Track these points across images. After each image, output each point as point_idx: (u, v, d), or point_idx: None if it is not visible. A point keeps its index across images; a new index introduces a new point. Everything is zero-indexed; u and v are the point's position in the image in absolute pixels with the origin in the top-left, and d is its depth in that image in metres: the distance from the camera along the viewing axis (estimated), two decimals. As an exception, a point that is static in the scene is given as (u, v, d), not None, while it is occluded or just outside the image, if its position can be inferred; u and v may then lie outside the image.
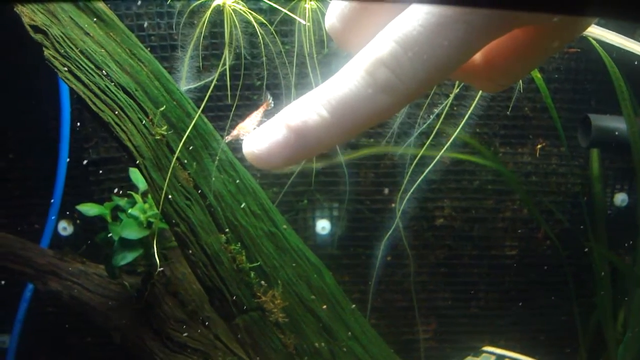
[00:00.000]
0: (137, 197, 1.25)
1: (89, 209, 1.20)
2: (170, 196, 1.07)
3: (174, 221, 1.06)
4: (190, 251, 1.05)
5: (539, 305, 1.44)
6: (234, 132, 0.52)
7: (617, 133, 1.23)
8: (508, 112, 1.40)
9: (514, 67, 0.37)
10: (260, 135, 0.34)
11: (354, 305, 1.14)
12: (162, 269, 1.21)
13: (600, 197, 1.34)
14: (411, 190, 1.28)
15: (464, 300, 1.46)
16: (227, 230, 1.08)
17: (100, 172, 1.36)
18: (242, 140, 0.36)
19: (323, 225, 1.47)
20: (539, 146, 1.43)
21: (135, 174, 1.28)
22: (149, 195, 1.28)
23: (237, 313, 1.04)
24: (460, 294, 1.46)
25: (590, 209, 1.34)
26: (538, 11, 0.30)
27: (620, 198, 1.38)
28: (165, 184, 1.07)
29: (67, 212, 1.34)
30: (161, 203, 1.06)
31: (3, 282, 1.23)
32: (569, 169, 1.41)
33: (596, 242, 1.31)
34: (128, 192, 1.26)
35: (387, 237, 1.31)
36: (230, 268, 1.06)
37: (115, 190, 1.31)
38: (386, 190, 1.43)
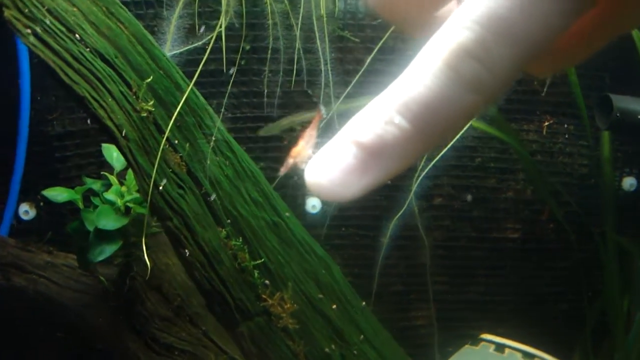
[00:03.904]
0: (113, 179, 1.08)
1: (57, 194, 1.04)
2: (160, 185, 0.92)
3: (165, 215, 0.92)
4: (186, 250, 0.91)
5: (540, 292, 1.39)
6: (289, 161, 0.40)
7: (639, 117, 1.15)
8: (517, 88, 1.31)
9: (578, 49, 0.31)
10: (325, 160, 0.26)
11: (364, 303, 1.04)
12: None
13: (610, 179, 1.28)
14: (427, 169, 1.18)
15: (462, 285, 1.39)
16: (228, 221, 0.95)
17: (67, 147, 1.17)
18: (302, 169, 0.28)
19: (313, 204, 1.36)
20: (546, 123, 1.35)
21: (108, 150, 1.12)
22: (127, 176, 1.12)
23: (241, 319, 0.92)
24: (458, 278, 1.39)
25: (599, 192, 1.28)
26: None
27: (629, 182, 1.32)
28: (154, 171, 0.92)
29: (29, 194, 1.15)
30: (149, 194, 0.91)
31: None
32: (577, 149, 1.34)
33: (605, 226, 1.25)
34: (102, 172, 1.10)
35: (397, 217, 1.22)
36: (232, 268, 0.93)
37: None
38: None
